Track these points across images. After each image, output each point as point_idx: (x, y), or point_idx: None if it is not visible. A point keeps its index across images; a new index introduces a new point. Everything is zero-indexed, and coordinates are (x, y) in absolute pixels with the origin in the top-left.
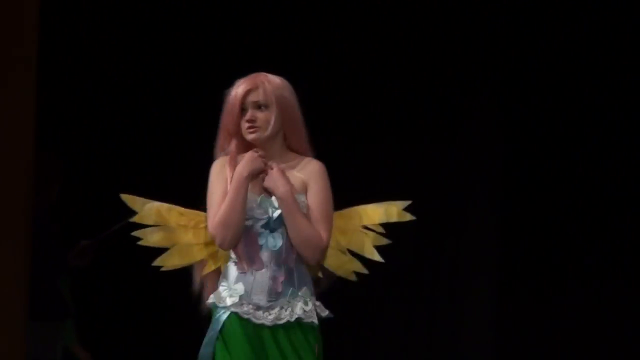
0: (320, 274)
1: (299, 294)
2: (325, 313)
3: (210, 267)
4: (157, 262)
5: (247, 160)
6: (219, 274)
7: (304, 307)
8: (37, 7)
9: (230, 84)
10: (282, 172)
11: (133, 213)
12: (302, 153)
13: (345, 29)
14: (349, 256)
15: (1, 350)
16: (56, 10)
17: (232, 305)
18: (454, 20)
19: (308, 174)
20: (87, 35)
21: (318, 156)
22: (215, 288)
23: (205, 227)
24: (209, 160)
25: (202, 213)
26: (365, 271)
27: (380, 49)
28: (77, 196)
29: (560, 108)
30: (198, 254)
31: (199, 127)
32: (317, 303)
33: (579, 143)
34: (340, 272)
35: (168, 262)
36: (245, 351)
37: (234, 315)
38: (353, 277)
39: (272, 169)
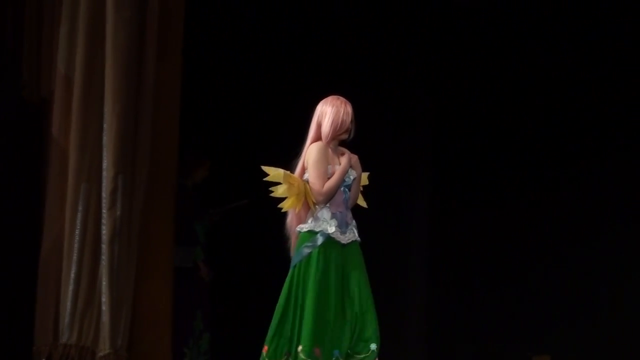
0: None
1: (354, 224)
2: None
3: (299, 208)
4: (281, 205)
5: (350, 158)
6: (300, 216)
7: (356, 232)
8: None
9: None
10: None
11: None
12: None
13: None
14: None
15: (158, 261)
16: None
17: (331, 232)
18: None
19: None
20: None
21: None
22: (300, 222)
23: (296, 185)
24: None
25: (296, 176)
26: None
27: None
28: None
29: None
30: (296, 201)
31: None
32: None
33: None
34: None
35: (286, 205)
36: (333, 258)
37: (329, 237)
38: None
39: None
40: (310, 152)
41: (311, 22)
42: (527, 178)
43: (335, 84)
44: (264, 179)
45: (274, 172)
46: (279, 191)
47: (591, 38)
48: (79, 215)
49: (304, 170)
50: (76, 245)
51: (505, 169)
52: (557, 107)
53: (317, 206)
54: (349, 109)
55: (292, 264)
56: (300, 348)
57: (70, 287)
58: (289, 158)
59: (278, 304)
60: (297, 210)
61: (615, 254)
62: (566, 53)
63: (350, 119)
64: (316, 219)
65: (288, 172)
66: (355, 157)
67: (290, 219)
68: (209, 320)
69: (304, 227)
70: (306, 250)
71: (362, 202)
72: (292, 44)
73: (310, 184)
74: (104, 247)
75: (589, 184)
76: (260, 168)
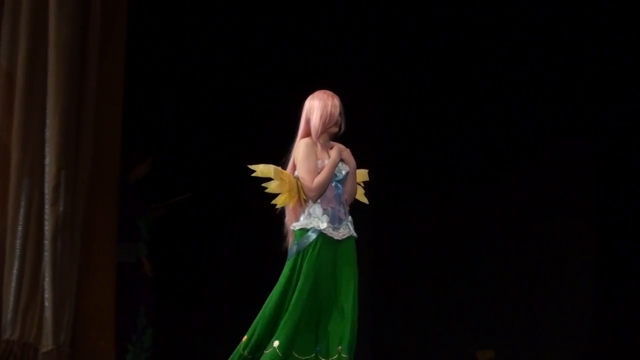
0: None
1: (349, 219)
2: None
3: (292, 204)
4: (274, 201)
5: (341, 151)
6: (296, 213)
7: (351, 227)
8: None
9: None
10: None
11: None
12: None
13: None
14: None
15: (101, 257)
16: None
17: (323, 229)
18: None
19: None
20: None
21: None
22: (293, 220)
23: (287, 181)
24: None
25: (287, 172)
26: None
27: None
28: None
29: None
30: (289, 198)
31: None
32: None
33: None
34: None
35: (279, 201)
36: (327, 255)
37: (322, 234)
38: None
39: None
40: (298, 149)
41: (254, 15)
42: (470, 175)
43: (280, 77)
44: (253, 175)
45: (263, 168)
46: (271, 186)
47: (527, 34)
48: (22, 211)
49: (295, 167)
50: (18, 241)
51: (449, 167)
52: (498, 105)
53: (308, 202)
54: (337, 101)
55: (287, 260)
56: (277, 343)
57: (13, 284)
58: (232, 152)
59: (267, 300)
60: (291, 206)
61: (558, 249)
62: (510, 49)
63: (338, 112)
64: (308, 215)
65: (279, 167)
66: (347, 151)
67: (288, 217)
68: (152, 316)
69: (297, 225)
70: (297, 248)
71: (362, 199)
72: (233, 38)
73: (301, 180)
74: (47, 243)
75: (531, 180)
76: (197, 162)
